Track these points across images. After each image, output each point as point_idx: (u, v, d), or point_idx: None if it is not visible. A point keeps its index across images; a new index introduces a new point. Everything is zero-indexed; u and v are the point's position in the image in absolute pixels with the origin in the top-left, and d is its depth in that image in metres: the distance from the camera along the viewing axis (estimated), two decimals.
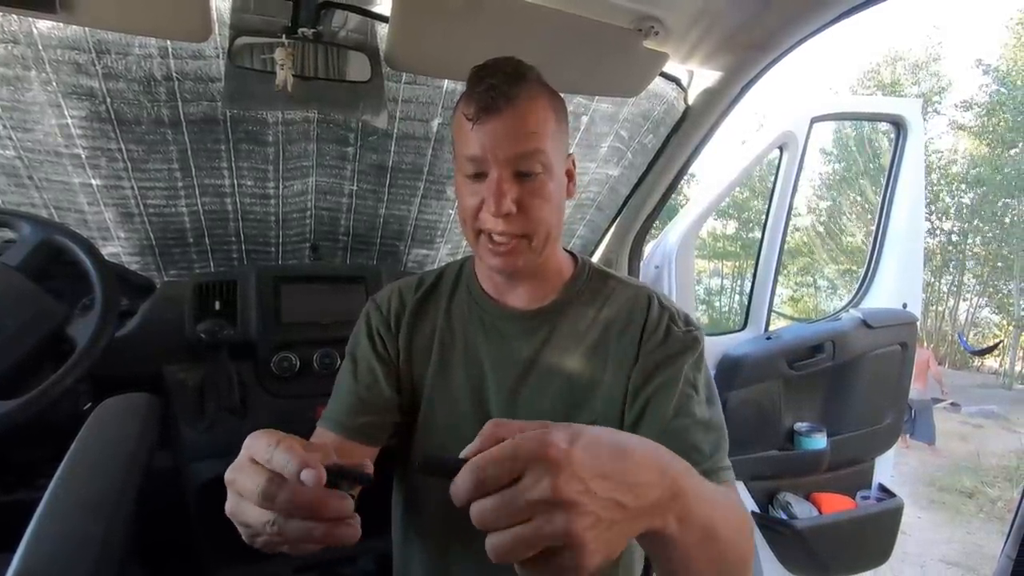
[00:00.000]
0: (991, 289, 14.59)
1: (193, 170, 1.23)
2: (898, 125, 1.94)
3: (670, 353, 0.73)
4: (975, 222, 14.09)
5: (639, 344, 0.75)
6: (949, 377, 10.40)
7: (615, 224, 1.71)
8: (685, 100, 1.33)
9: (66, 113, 1.06)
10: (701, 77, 1.27)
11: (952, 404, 8.42)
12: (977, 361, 13.57)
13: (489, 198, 0.67)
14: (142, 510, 0.70)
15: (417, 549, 0.81)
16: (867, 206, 14.28)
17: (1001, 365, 13.08)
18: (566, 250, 0.87)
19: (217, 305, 1.17)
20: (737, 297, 17.09)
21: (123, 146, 1.14)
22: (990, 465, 6.23)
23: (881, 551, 1.80)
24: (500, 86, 0.66)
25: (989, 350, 12.06)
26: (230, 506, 0.44)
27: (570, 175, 0.77)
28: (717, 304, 17.70)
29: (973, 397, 9.19)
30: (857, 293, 1.96)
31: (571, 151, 0.78)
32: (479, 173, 0.69)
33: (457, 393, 0.78)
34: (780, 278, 1.91)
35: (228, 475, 0.44)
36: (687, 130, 1.37)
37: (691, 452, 0.66)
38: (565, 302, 0.80)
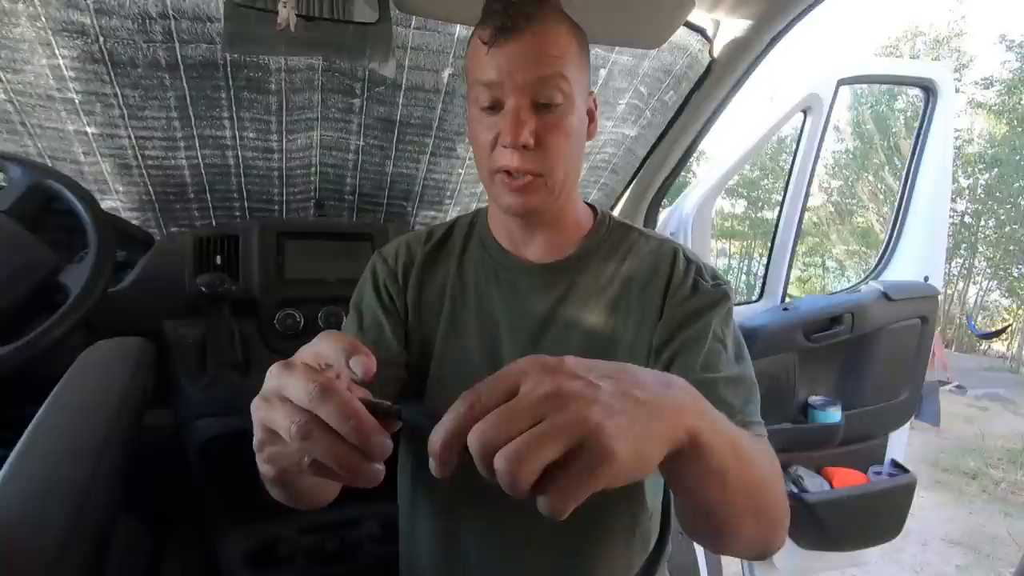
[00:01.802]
0: (1002, 272, 14.43)
1: (192, 119, 1.18)
2: (928, 90, 1.85)
3: (698, 307, 0.69)
4: (989, 204, 13.86)
5: (663, 299, 0.71)
6: (956, 360, 10.35)
7: (630, 188, 1.65)
8: (710, 52, 1.25)
9: (57, 52, 1.00)
10: (728, 28, 1.20)
11: (958, 386, 8.38)
12: (984, 344, 13.49)
13: (505, 129, 0.62)
14: (139, 463, 0.66)
15: (424, 511, 0.78)
16: (880, 186, 14.06)
17: (1008, 349, 12.99)
18: (585, 202, 0.82)
19: (218, 260, 1.13)
20: (744, 277, 16.98)
21: (118, 91, 1.08)
22: (994, 447, 6.20)
23: (892, 526, 1.78)
24: (520, 4, 0.60)
25: (997, 334, 11.95)
26: (259, 404, 0.39)
27: (591, 115, 0.72)
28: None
29: (980, 380, 9.14)
30: (878, 264, 1.91)
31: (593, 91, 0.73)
32: (494, 104, 0.64)
33: (470, 351, 0.74)
34: None
35: (274, 369, 0.39)
36: (711, 85, 1.30)
37: (720, 405, 0.62)
38: (584, 255, 0.75)
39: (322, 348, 0.40)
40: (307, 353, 0.40)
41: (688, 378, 0.64)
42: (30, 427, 0.48)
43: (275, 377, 0.38)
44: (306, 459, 0.37)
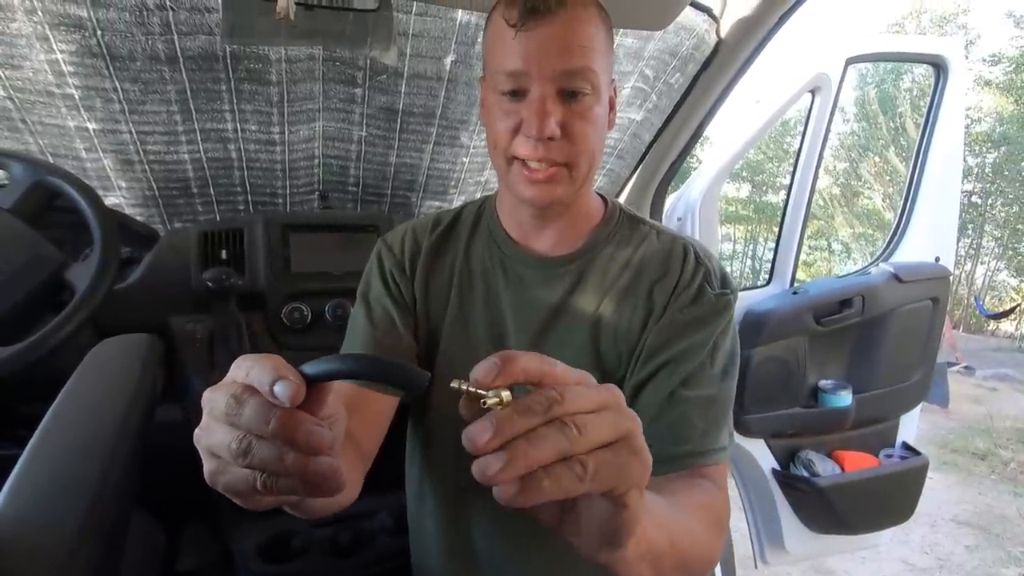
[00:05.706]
0: (1010, 252, 14.31)
1: (193, 113, 1.17)
2: (938, 66, 1.82)
3: (698, 316, 0.67)
4: (997, 183, 13.71)
5: (669, 299, 0.69)
6: (964, 341, 10.29)
7: (636, 174, 1.63)
8: (717, 32, 1.23)
9: (55, 47, 0.99)
10: (735, 6, 1.17)
11: (966, 367, 8.34)
12: (993, 325, 13.40)
13: (530, 118, 0.60)
14: (151, 459, 0.66)
15: (431, 501, 0.78)
16: (886, 167, 13.92)
17: (1017, 329, 12.90)
18: (596, 193, 0.80)
19: (223, 254, 1.12)
20: (749, 262, 16.90)
21: (118, 85, 1.07)
22: (1003, 428, 6.17)
23: (904, 509, 1.78)
24: None
25: (1006, 314, 11.88)
26: (199, 434, 0.36)
27: (612, 103, 0.70)
28: (728, 270, 17.53)
29: (988, 361, 9.09)
30: (888, 246, 1.88)
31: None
32: (517, 91, 0.61)
33: (477, 343, 0.73)
34: None
35: (206, 394, 0.36)
36: (718, 67, 1.27)
37: (684, 427, 0.62)
38: (594, 246, 0.74)
39: (245, 371, 0.35)
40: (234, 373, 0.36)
41: (665, 391, 0.64)
42: (42, 425, 0.48)
43: (206, 402, 0.36)
44: (257, 478, 0.33)
